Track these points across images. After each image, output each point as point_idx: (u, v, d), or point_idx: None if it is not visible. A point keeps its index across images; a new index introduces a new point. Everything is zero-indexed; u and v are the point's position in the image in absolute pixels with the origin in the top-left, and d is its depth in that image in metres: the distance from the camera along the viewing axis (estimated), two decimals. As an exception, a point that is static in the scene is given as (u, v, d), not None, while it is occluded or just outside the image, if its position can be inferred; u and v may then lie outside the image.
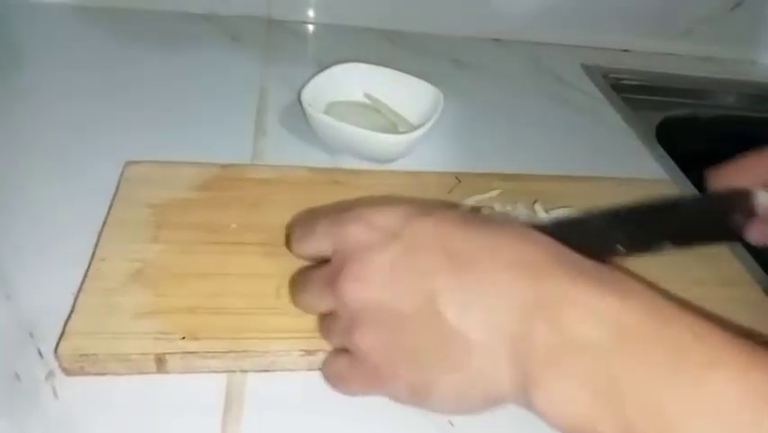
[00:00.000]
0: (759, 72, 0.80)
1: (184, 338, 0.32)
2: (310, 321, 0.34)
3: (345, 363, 0.31)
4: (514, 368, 0.25)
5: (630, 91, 0.72)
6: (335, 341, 0.32)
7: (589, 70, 0.72)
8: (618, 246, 0.36)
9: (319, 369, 0.33)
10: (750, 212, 0.36)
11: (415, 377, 0.28)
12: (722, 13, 0.78)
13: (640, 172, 0.54)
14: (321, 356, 0.33)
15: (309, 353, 0.33)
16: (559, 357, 0.24)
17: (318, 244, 0.32)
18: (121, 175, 0.43)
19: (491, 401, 0.27)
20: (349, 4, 0.71)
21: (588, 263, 0.27)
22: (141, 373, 0.32)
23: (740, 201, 0.37)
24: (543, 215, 0.44)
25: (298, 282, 0.35)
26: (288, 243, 0.35)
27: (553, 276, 0.26)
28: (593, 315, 0.24)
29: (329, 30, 0.72)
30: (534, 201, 0.45)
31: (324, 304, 0.31)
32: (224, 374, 0.33)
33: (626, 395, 0.23)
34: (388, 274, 0.28)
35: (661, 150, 0.60)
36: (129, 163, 0.44)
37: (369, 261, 0.28)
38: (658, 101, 0.73)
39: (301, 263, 0.36)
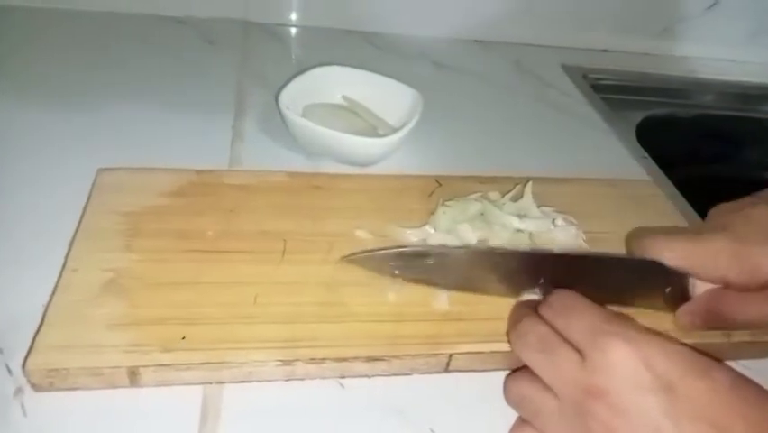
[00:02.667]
0: (737, 71, 0.81)
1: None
2: (287, 330, 0.34)
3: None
4: None
5: (610, 91, 0.72)
6: (537, 422, 0.30)
7: (569, 71, 0.72)
8: (536, 289, 0.37)
9: (299, 379, 0.33)
10: (683, 295, 0.37)
11: None
12: (699, 12, 0.79)
13: (620, 172, 0.54)
14: (299, 366, 0.32)
15: (286, 363, 0.32)
16: None
17: (578, 333, 0.30)
18: (93, 182, 0.42)
19: None
20: (327, 6, 0.71)
21: None
22: (113, 387, 0.31)
23: (678, 281, 0.37)
24: (530, 200, 0.45)
25: (540, 340, 0.31)
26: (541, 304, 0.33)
27: None
28: None
29: (307, 32, 0.71)
30: (528, 181, 0.46)
31: (561, 389, 0.29)
32: (200, 386, 0.32)
33: None
34: (652, 423, 0.27)
35: (641, 149, 0.60)
36: (101, 170, 0.42)
37: (634, 399, 0.27)
38: (638, 101, 0.73)
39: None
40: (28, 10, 0.64)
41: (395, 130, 0.49)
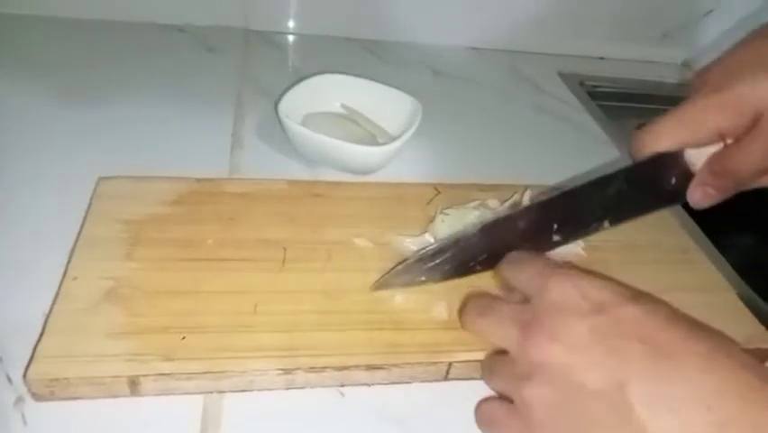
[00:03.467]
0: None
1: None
2: (287, 339, 0.34)
3: (503, 410, 0.31)
4: None
5: (607, 98, 0.72)
6: (499, 384, 0.32)
7: (566, 78, 0.73)
8: (555, 237, 0.38)
9: (299, 387, 0.33)
10: (685, 173, 0.37)
11: None
12: (695, 19, 0.79)
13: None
14: (299, 374, 0.33)
15: (286, 371, 0.32)
16: None
17: (526, 280, 0.32)
18: (94, 191, 0.42)
19: None
20: (327, 14, 0.71)
21: None
22: (113, 396, 0.31)
23: (672, 165, 0.36)
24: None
25: (482, 307, 0.34)
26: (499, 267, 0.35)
27: (750, 397, 0.25)
28: None
29: (306, 40, 0.71)
30: (526, 188, 0.46)
31: (504, 341, 0.31)
32: (201, 395, 0.32)
33: None
34: (583, 343, 0.28)
35: (638, 157, 0.60)
36: (102, 179, 0.43)
37: (568, 323, 0.29)
38: (634, 108, 0.74)
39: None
40: (28, 18, 0.64)
41: (394, 138, 0.49)
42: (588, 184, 0.38)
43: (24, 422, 0.30)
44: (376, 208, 0.44)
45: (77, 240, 0.38)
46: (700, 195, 0.36)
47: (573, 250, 0.43)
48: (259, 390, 0.33)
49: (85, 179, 0.42)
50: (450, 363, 0.35)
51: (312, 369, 0.33)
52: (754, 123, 0.34)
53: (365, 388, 0.34)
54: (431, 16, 0.73)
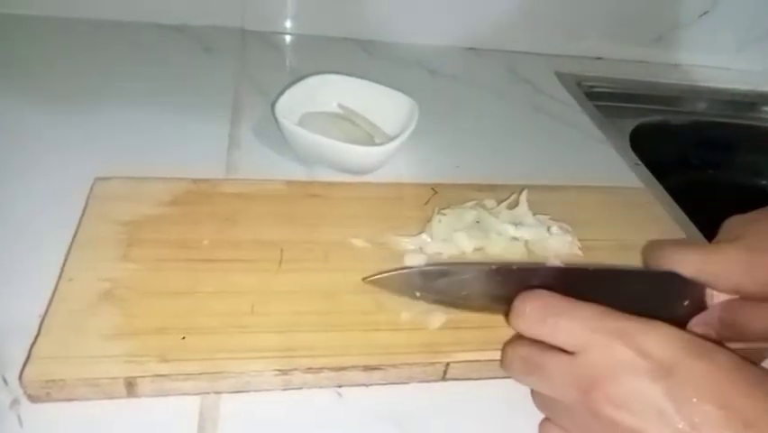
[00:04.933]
0: (730, 78, 0.82)
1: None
2: (284, 339, 0.34)
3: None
4: None
5: (603, 98, 0.72)
6: (563, 424, 0.30)
7: (563, 78, 0.73)
8: None
9: (297, 388, 0.33)
10: (700, 307, 0.36)
11: None
12: (692, 20, 0.79)
13: (614, 180, 0.54)
14: (296, 375, 0.33)
15: (284, 372, 0.32)
16: None
17: (565, 336, 0.29)
18: (90, 192, 0.42)
19: None
20: (324, 14, 0.71)
21: None
22: (110, 397, 0.31)
23: (695, 292, 0.36)
24: (525, 208, 0.45)
25: (526, 361, 0.31)
26: (512, 315, 0.32)
27: None
28: None
29: (304, 40, 0.71)
30: (523, 189, 0.46)
31: (562, 398, 0.29)
32: (197, 396, 0.32)
33: None
34: (655, 408, 0.26)
35: (634, 156, 0.60)
36: (98, 180, 0.42)
37: (634, 387, 0.27)
38: (631, 108, 0.74)
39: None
40: (26, 18, 0.64)
41: (391, 138, 0.49)
42: (606, 270, 0.37)
43: (20, 424, 0.30)
44: (373, 209, 0.44)
45: (72, 241, 0.38)
46: (702, 332, 0.34)
47: (570, 249, 0.43)
48: (256, 390, 0.33)
49: (81, 179, 0.42)
50: (447, 364, 0.35)
51: (309, 370, 0.33)
52: None
53: (363, 388, 0.34)
54: (428, 16, 0.73)
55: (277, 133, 0.50)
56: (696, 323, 0.36)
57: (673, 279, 0.35)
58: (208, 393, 0.32)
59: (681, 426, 0.26)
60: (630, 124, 0.69)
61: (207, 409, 0.32)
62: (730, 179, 0.79)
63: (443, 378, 0.35)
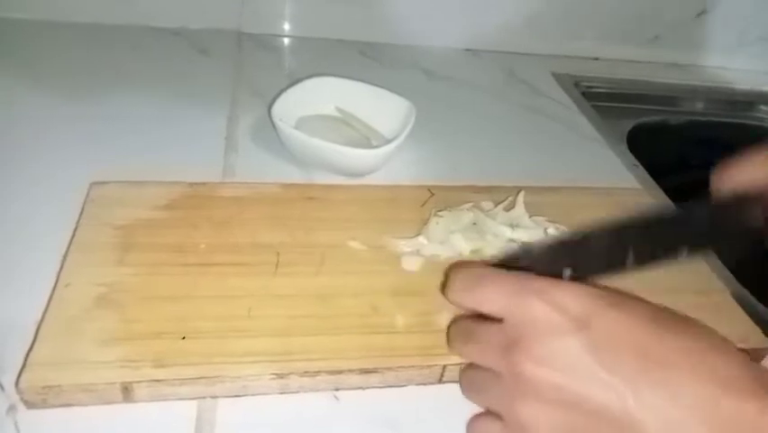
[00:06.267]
0: (727, 78, 0.82)
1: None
2: (281, 343, 0.34)
3: (497, 429, 0.30)
4: None
5: (601, 99, 0.73)
6: (488, 402, 0.31)
7: (560, 79, 0.73)
8: (627, 261, 0.34)
9: (294, 392, 0.33)
10: (764, 214, 0.35)
11: None
12: (689, 19, 0.79)
13: (612, 180, 0.54)
14: (293, 379, 0.33)
15: (280, 376, 0.32)
16: None
17: (490, 304, 0.30)
18: (87, 196, 0.42)
19: None
20: (320, 16, 0.71)
21: None
22: (107, 403, 0.31)
23: (752, 205, 0.36)
24: (522, 209, 0.45)
25: (463, 332, 0.33)
26: (445, 287, 0.32)
27: (750, 398, 0.25)
28: None
29: (300, 43, 0.71)
30: (520, 190, 0.47)
31: (491, 363, 0.30)
32: (194, 401, 0.32)
33: None
34: (574, 362, 0.27)
35: (632, 157, 0.60)
36: (94, 184, 0.42)
37: (553, 344, 0.27)
38: (628, 108, 0.74)
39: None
40: (22, 22, 0.64)
41: (388, 140, 0.49)
42: (663, 216, 0.37)
43: (17, 430, 0.30)
44: (370, 211, 0.44)
45: (69, 245, 0.38)
46: None
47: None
48: (253, 395, 0.33)
49: (78, 183, 0.42)
50: (444, 366, 0.35)
51: (306, 373, 0.33)
52: None
53: (360, 392, 0.34)
54: (424, 18, 0.73)
55: (274, 136, 0.50)
56: None
57: (730, 203, 0.36)
58: (205, 398, 0.32)
59: (601, 376, 0.26)
60: (628, 125, 0.69)
61: (204, 414, 0.32)
62: (728, 178, 0.79)
63: (440, 381, 0.35)
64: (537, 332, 0.28)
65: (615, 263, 0.34)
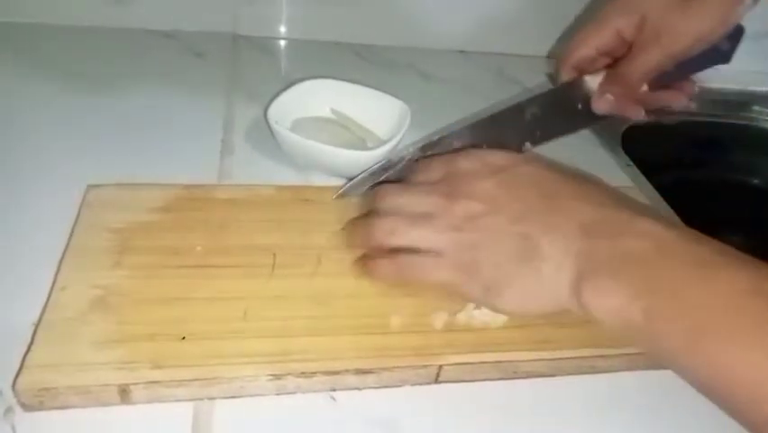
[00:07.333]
0: (719, 78, 0.82)
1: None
2: (277, 344, 0.34)
3: (430, 258, 0.36)
4: (574, 271, 0.32)
5: (595, 99, 0.73)
6: (419, 234, 0.37)
7: (555, 80, 0.73)
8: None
9: (290, 393, 0.33)
10: (588, 97, 0.46)
11: (493, 275, 0.35)
12: (681, 20, 0.80)
13: (606, 180, 0.54)
14: (290, 380, 0.33)
15: (277, 377, 0.32)
16: (610, 262, 0.32)
17: (432, 173, 0.40)
18: (82, 199, 0.42)
19: (550, 302, 0.34)
20: (315, 19, 0.71)
21: (634, 201, 0.36)
22: (103, 405, 0.31)
23: (578, 89, 0.46)
24: None
25: (393, 191, 0.40)
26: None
27: (611, 207, 0.34)
28: (641, 234, 0.32)
29: (295, 45, 0.72)
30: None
31: (429, 207, 0.37)
32: (191, 402, 0.32)
33: (658, 290, 0.30)
34: (492, 195, 0.36)
35: (626, 157, 0.61)
36: (90, 187, 0.43)
37: (478, 183, 0.37)
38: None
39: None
40: (16, 25, 0.64)
41: (383, 142, 0.49)
42: (507, 109, 0.46)
43: (14, 432, 0.30)
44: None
45: (65, 249, 0.38)
46: (602, 102, 0.45)
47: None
48: (250, 396, 0.33)
49: (73, 186, 0.42)
50: (440, 366, 0.35)
51: (302, 374, 0.33)
52: (642, 25, 0.42)
53: (356, 392, 0.34)
54: (419, 20, 0.73)
55: (269, 139, 0.50)
56: (595, 99, 0.46)
57: (563, 90, 0.47)
58: (202, 399, 0.32)
59: (513, 206, 0.36)
60: (622, 125, 0.69)
61: (201, 415, 0.32)
62: (722, 178, 0.80)
63: (436, 381, 0.35)
64: (467, 177, 0.38)
65: None
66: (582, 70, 0.47)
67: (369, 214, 0.40)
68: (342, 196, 0.45)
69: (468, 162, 0.39)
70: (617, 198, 0.36)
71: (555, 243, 0.34)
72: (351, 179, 0.45)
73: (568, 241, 0.33)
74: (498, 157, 0.39)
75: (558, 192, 0.36)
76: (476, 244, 0.35)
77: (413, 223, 0.37)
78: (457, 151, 0.41)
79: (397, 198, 0.39)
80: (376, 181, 0.44)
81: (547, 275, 0.33)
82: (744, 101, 0.81)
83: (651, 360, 0.36)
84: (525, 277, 0.34)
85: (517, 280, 0.34)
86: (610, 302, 0.31)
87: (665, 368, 0.31)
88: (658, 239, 0.32)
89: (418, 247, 0.37)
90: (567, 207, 0.35)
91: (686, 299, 0.29)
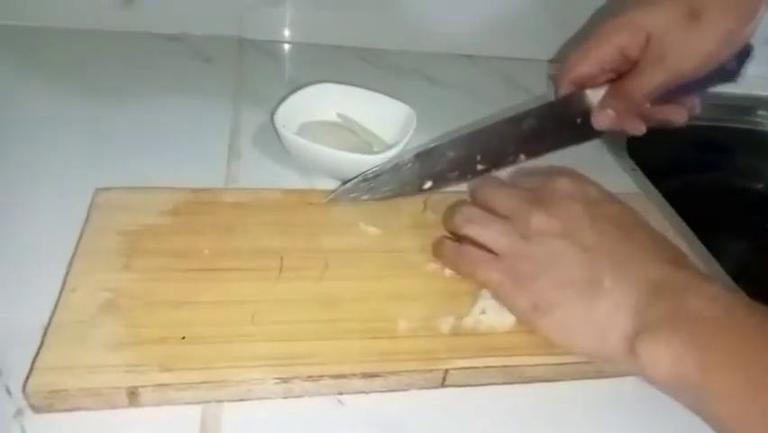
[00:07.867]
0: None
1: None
2: (284, 348, 0.34)
3: (487, 256, 0.37)
4: (631, 319, 0.32)
5: (600, 104, 0.73)
6: (487, 235, 0.38)
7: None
8: (479, 166, 0.46)
9: (297, 396, 0.33)
10: (588, 111, 0.45)
11: (547, 295, 0.34)
12: (687, 25, 0.80)
13: (611, 185, 0.54)
14: (296, 383, 0.33)
15: (284, 380, 0.33)
16: (673, 319, 0.31)
17: (534, 181, 0.41)
18: (91, 202, 0.42)
19: (594, 341, 0.34)
20: (321, 22, 0.71)
21: (701, 271, 0.36)
22: (112, 407, 0.31)
23: (577, 104, 0.45)
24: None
25: (491, 185, 0.42)
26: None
27: (683, 266, 0.35)
28: (709, 297, 0.32)
29: (301, 49, 0.72)
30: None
31: (507, 209, 0.39)
32: (199, 405, 0.32)
33: (717, 347, 0.30)
34: (574, 218, 0.37)
35: (631, 162, 0.61)
36: (99, 190, 0.43)
37: (567, 206, 0.38)
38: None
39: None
40: (22, 29, 0.64)
41: (389, 146, 0.49)
42: (504, 120, 0.45)
43: (24, 434, 0.30)
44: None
45: (75, 251, 0.38)
46: (603, 117, 0.45)
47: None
48: (257, 399, 0.33)
49: (82, 190, 0.43)
50: (446, 371, 0.35)
51: (309, 377, 0.33)
52: (647, 43, 0.42)
53: (363, 396, 0.34)
54: (424, 24, 0.73)
55: (276, 143, 0.50)
56: (595, 113, 0.45)
57: (563, 103, 0.47)
58: (210, 402, 0.33)
59: (588, 235, 0.36)
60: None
61: (209, 418, 0.32)
62: (727, 183, 0.80)
63: (443, 385, 0.36)
64: (558, 196, 0.38)
65: (465, 170, 0.45)
66: (583, 85, 0.46)
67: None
68: (333, 200, 0.45)
69: (567, 183, 0.39)
70: (686, 258, 0.37)
71: (620, 285, 0.33)
72: (343, 183, 0.45)
73: (633, 288, 0.33)
74: (596, 189, 0.40)
75: (638, 240, 0.36)
76: (536, 257, 0.36)
77: (489, 219, 0.39)
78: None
79: (491, 192, 0.41)
80: (369, 187, 0.45)
81: (602, 313, 0.33)
82: (749, 105, 0.81)
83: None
84: (578, 308, 0.34)
85: (570, 307, 0.34)
86: (666, 354, 0.30)
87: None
88: (726, 304, 0.31)
89: (484, 243, 0.38)
90: (641, 255, 0.35)
91: (745, 355, 0.29)
